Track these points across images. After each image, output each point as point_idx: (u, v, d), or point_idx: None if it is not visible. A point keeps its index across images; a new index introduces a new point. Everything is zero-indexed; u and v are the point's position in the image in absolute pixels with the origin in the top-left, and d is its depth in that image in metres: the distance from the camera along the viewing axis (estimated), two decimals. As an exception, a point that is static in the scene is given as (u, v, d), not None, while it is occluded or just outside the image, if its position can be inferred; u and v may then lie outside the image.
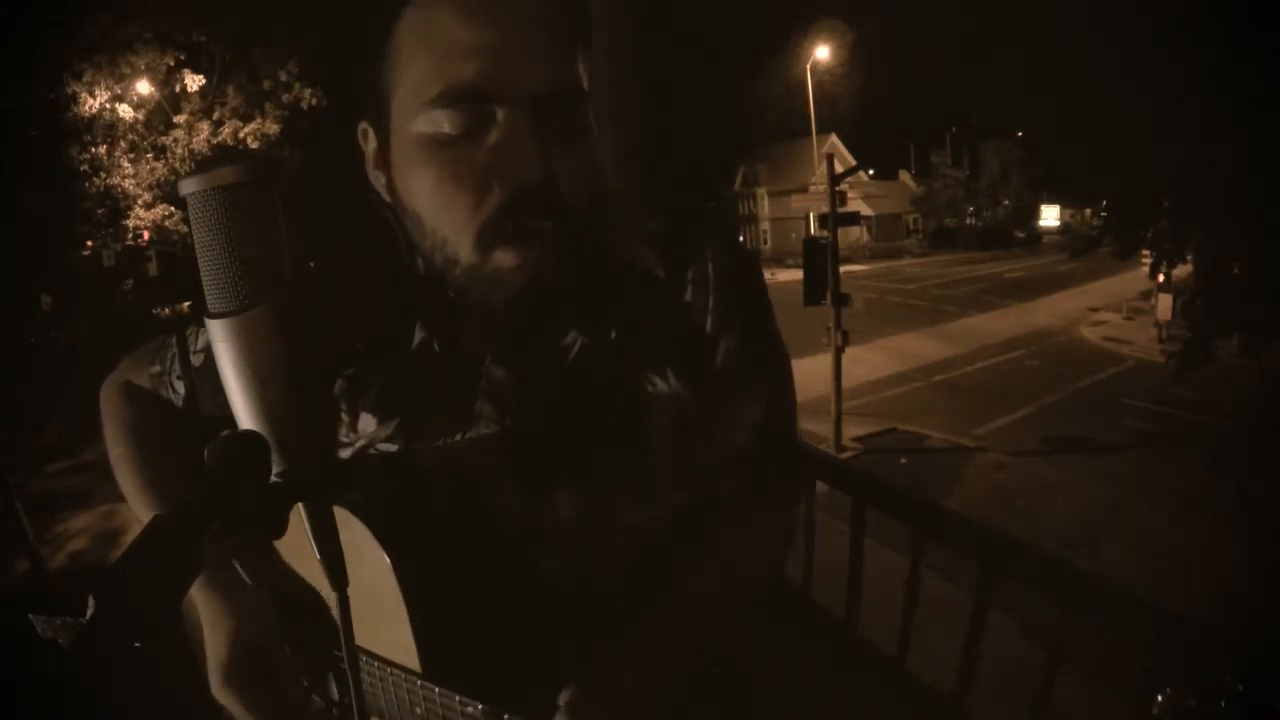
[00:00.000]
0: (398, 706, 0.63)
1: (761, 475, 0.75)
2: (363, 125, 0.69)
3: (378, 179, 0.69)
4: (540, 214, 0.61)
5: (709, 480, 0.74)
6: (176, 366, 0.82)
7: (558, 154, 0.61)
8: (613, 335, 0.70)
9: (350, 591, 0.51)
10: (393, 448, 0.72)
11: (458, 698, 0.58)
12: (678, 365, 0.71)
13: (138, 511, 0.79)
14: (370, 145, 0.69)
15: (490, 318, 0.68)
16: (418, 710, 0.61)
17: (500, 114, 0.59)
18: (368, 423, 0.72)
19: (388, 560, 0.59)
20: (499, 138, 0.60)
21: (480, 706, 0.57)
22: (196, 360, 0.81)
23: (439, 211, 0.62)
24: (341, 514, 0.53)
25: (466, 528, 0.71)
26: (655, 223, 0.74)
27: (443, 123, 0.60)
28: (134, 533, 0.76)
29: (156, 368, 0.84)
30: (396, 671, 0.62)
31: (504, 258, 0.61)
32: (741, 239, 0.81)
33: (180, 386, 0.82)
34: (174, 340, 0.83)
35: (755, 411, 0.74)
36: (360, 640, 0.67)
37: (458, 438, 0.70)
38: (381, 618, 0.52)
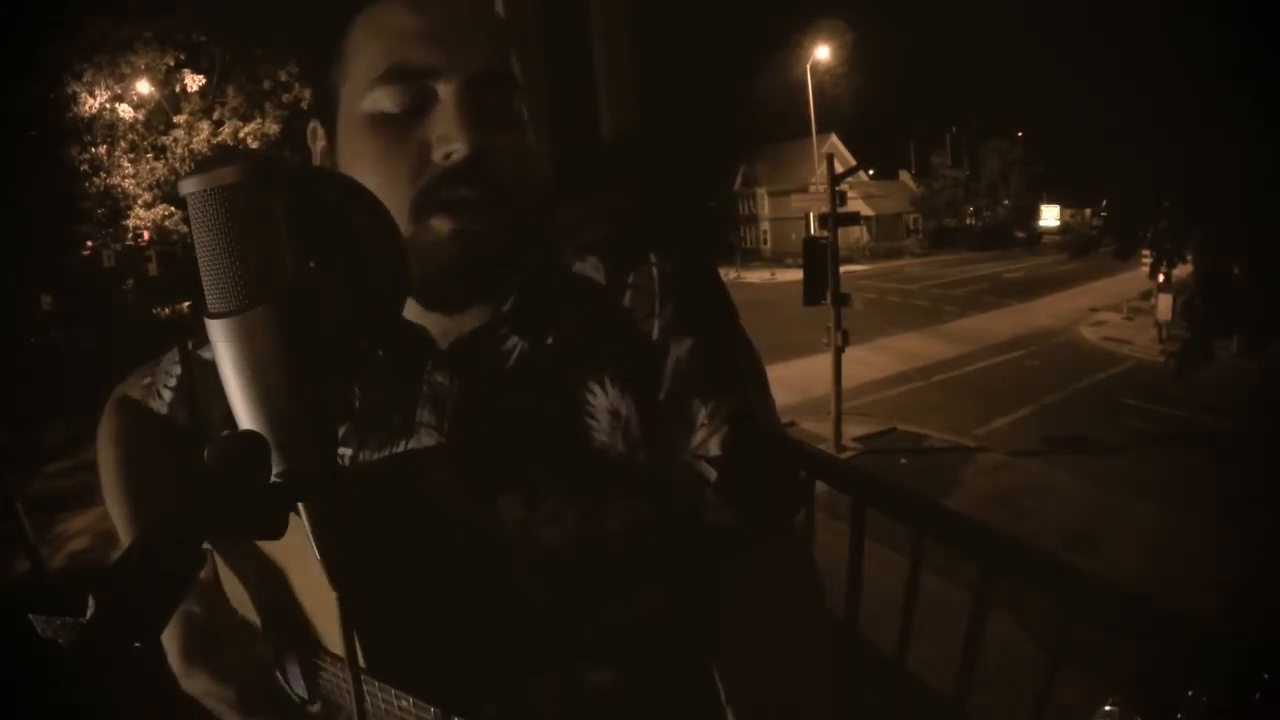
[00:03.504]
0: (350, 699, 0.63)
1: (741, 494, 0.71)
2: (312, 124, 0.72)
3: None
4: (474, 185, 0.64)
5: (682, 497, 0.72)
6: (164, 376, 0.85)
7: (492, 133, 0.65)
8: (549, 341, 0.71)
9: (313, 593, 0.51)
10: (347, 451, 0.73)
11: (412, 699, 0.58)
12: (615, 374, 0.70)
13: (116, 520, 0.80)
14: (319, 144, 0.72)
15: (427, 297, 0.69)
16: (365, 704, 0.62)
17: (440, 90, 0.64)
18: None
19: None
20: (438, 112, 0.64)
21: (412, 700, 0.57)
22: (193, 366, 0.83)
23: (379, 184, 0.65)
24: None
25: (418, 535, 0.71)
26: (599, 230, 0.75)
27: (386, 101, 0.65)
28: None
29: (148, 379, 0.86)
30: (351, 669, 0.62)
31: (438, 225, 0.65)
32: (706, 250, 0.78)
33: (166, 395, 0.84)
34: (168, 356, 0.86)
35: (720, 425, 0.71)
36: (323, 641, 0.68)
37: (402, 445, 0.71)
38: (328, 619, 0.52)
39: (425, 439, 0.71)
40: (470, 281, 0.67)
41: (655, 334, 0.71)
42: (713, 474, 0.71)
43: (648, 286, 0.71)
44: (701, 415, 0.71)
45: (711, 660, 0.76)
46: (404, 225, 0.64)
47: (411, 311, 0.71)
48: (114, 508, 0.81)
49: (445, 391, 0.71)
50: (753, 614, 0.72)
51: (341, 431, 0.73)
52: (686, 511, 0.72)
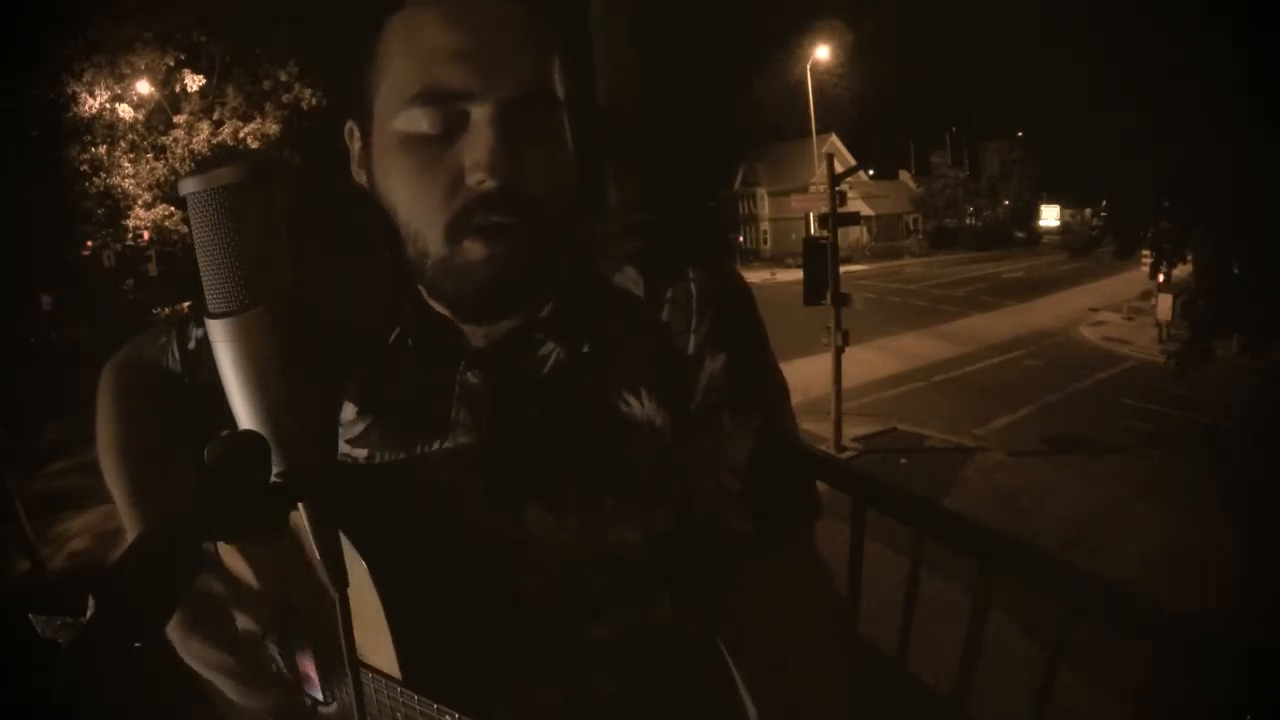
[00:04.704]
0: (378, 710, 0.63)
1: (764, 505, 0.72)
2: (349, 124, 0.71)
3: (360, 175, 0.71)
4: (507, 211, 0.63)
5: (700, 506, 0.73)
6: (184, 339, 0.84)
7: (528, 155, 0.64)
8: (585, 349, 0.70)
9: (321, 593, 0.51)
10: (363, 450, 0.72)
11: (436, 705, 0.58)
12: (652, 386, 0.70)
13: (111, 488, 0.78)
14: (355, 144, 0.71)
15: (461, 311, 0.69)
16: (398, 715, 0.61)
17: (474, 113, 0.63)
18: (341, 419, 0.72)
19: (364, 565, 0.59)
20: (471, 136, 0.63)
21: (457, 716, 0.57)
22: (192, 346, 0.82)
23: (412, 205, 0.64)
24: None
25: (442, 536, 0.70)
26: (637, 242, 0.75)
27: (421, 121, 0.63)
28: (128, 526, 0.76)
29: (163, 338, 0.85)
30: (377, 677, 0.62)
31: (472, 249, 0.64)
32: (737, 266, 0.79)
33: (178, 352, 0.83)
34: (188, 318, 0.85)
35: (749, 439, 0.72)
36: (333, 641, 0.68)
37: (435, 445, 0.71)
38: (361, 624, 0.52)
39: (460, 439, 0.70)
40: (502, 298, 0.67)
41: (691, 348, 0.71)
42: (739, 485, 0.72)
43: (685, 301, 0.71)
44: (731, 428, 0.72)
45: (719, 665, 0.77)
46: (437, 246, 0.64)
47: (441, 306, 0.71)
48: (110, 476, 0.79)
49: (478, 392, 0.71)
50: (772, 622, 0.73)
51: (362, 427, 0.72)
52: (706, 521, 0.73)
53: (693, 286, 0.72)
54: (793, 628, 0.72)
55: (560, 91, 0.67)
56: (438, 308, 0.72)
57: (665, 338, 0.71)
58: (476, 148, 0.62)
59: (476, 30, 0.63)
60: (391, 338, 0.73)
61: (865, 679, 1.70)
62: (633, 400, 0.70)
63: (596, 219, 0.77)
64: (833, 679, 0.73)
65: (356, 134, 0.71)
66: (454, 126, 0.63)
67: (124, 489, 0.78)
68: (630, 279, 0.72)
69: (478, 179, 0.62)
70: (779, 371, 0.76)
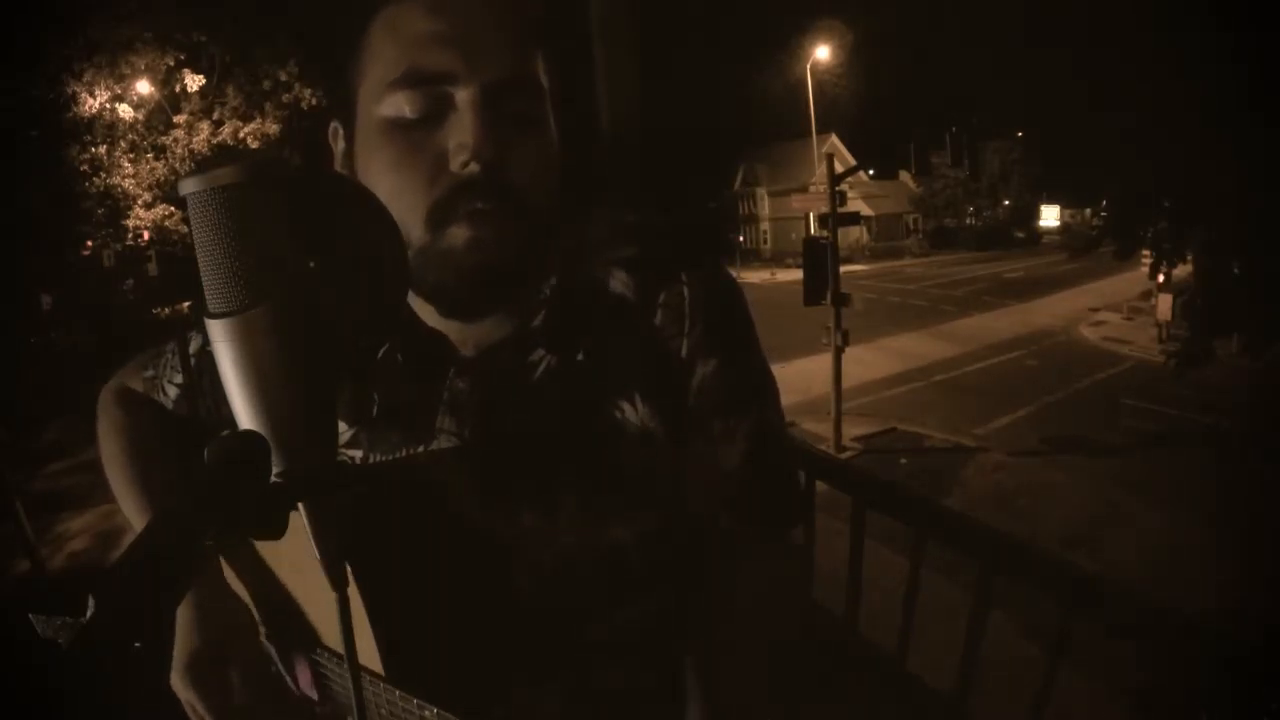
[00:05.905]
0: (376, 712, 0.63)
1: (754, 506, 0.74)
2: (333, 125, 0.71)
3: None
4: (492, 197, 0.63)
5: (693, 507, 0.73)
6: (169, 371, 0.84)
7: (512, 140, 0.63)
8: (580, 357, 0.70)
9: (317, 594, 0.51)
10: (356, 453, 0.72)
11: (416, 700, 0.58)
12: (645, 390, 0.71)
13: (126, 511, 0.79)
14: (339, 144, 0.71)
15: (445, 304, 0.68)
16: (382, 711, 0.62)
17: (457, 97, 0.63)
18: None
19: (361, 567, 0.59)
20: (455, 120, 0.63)
21: (436, 710, 0.57)
22: (193, 363, 0.82)
23: (394, 192, 0.64)
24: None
25: (438, 537, 0.71)
26: (629, 246, 0.74)
27: (404, 105, 0.63)
28: (133, 533, 0.77)
29: (150, 372, 0.85)
30: (375, 679, 0.63)
31: (456, 233, 0.63)
32: (726, 264, 0.79)
33: (171, 390, 0.83)
34: (170, 347, 0.84)
35: (739, 442, 0.72)
36: (328, 641, 0.68)
37: (420, 449, 0.71)
38: (357, 625, 0.53)
39: (444, 444, 0.70)
40: (487, 289, 0.66)
41: (684, 352, 0.71)
42: (729, 486, 0.72)
43: (678, 305, 0.71)
44: (722, 431, 0.72)
45: (688, 655, 0.77)
46: (419, 232, 0.63)
47: (430, 317, 0.71)
48: (126, 501, 0.80)
49: (466, 399, 0.71)
50: (743, 614, 0.73)
51: (352, 433, 0.72)
52: (703, 522, 0.74)
53: (685, 290, 0.72)
54: (762, 619, 0.74)
55: (545, 82, 0.67)
56: (426, 319, 0.71)
57: (658, 342, 0.71)
58: (461, 130, 0.62)
59: (460, 16, 0.63)
60: (381, 352, 0.72)
61: (865, 679, 1.70)
62: (626, 406, 0.70)
63: (588, 223, 0.77)
64: (789, 666, 0.75)
65: (340, 134, 0.70)
66: (437, 110, 0.63)
67: (133, 500, 0.79)
68: (622, 284, 0.72)
69: (462, 161, 0.62)
70: (769, 371, 0.76)
